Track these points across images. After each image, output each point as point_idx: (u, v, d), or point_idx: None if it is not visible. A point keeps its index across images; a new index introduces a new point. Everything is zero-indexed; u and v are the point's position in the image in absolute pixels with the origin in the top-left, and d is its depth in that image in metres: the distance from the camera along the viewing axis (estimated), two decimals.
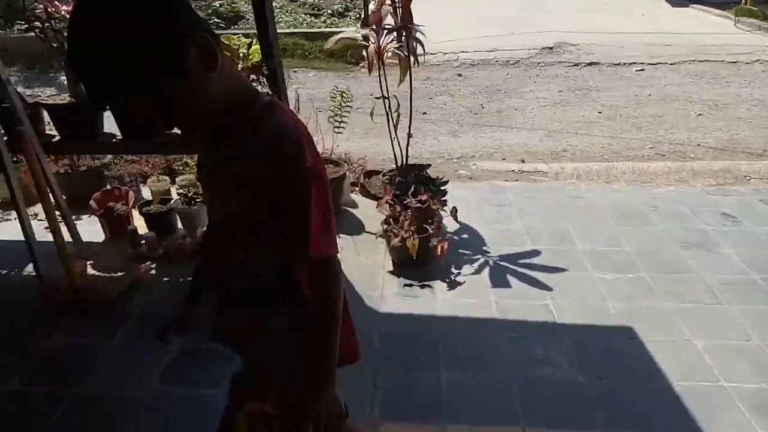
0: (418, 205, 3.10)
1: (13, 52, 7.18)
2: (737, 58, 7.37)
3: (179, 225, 3.29)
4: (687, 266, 3.05)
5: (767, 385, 2.25)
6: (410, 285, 2.97)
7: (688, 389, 2.22)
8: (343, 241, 3.22)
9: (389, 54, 3.38)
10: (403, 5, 3.22)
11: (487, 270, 3.09)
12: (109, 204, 3.20)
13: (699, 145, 4.94)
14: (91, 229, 3.28)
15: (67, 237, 2.80)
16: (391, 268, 3.11)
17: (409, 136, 3.60)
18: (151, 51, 0.89)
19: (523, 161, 4.71)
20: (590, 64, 7.40)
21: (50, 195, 2.68)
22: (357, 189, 4.00)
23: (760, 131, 5.21)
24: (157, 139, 2.93)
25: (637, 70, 7.13)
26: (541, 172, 4.44)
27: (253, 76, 2.88)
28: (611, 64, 7.35)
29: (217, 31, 1.04)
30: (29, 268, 2.92)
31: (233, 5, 9.29)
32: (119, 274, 2.87)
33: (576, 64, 7.41)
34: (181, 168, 3.94)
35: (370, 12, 3.41)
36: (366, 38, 3.34)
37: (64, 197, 2.91)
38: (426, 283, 2.98)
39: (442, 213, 3.28)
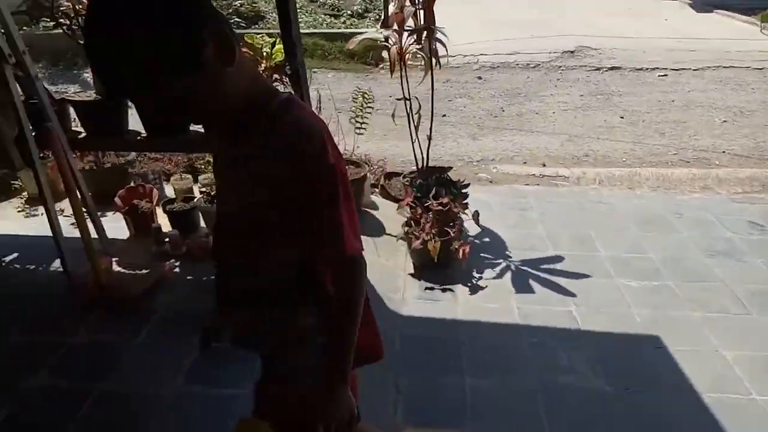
0: (440, 207, 3.08)
1: (38, 49, 7.27)
2: (763, 65, 7.26)
3: (202, 223, 3.30)
4: (713, 275, 3.00)
5: None
6: (431, 288, 2.96)
7: (717, 401, 2.18)
8: (363, 242, 3.21)
9: (411, 55, 3.38)
10: (426, 7, 3.21)
11: (508, 274, 3.06)
12: (134, 201, 3.23)
13: (724, 152, 4.87)
14: (115, 225, 3.31)
15: (92, 233, 2.82)
16: (412, 271, 3.10)
17: (429, 138, 3.59)
18: (166, 45, 0.89)
19: (544, 165, 4.67)
20: (612, 68, 7.34)
21: (77, 191, 2.70)
22: (377, 190, 3.99)
23: None
24: (181, 137, 2.94)
25: (659, 76, 7.05)
26: (563, 176, 4.41)
27: (275, 76, 2.88)
28: (633, 68, 7.28)
29: (238, 31, 1.03)
30: (56, 264, 2.95)
31: (254, 5, 9.35)
32: (144, 271, 2.89)
33: (597, 69, 7.35)
34: (203, 167, 3.96)
35: (391, 13, 3.41)
36: (388, 39, 3.33)
37: (90, 194, 2.94)
38: (447, 286, 2.96)
39: (463, 216, 3.27)
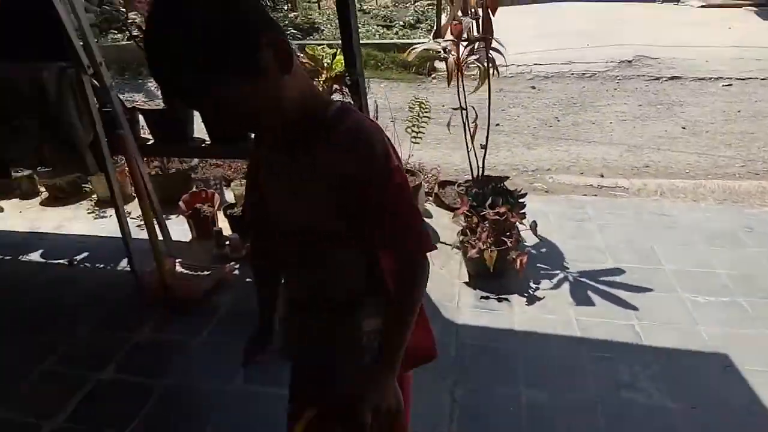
0: (496, 217, 3.05)
1: (106, 60, 7.63)
2: None
3: None
4: None
5: None
6: (487, 297, 2.93)
7: None
8: None
9: (468, 65, 3.37)
10: (485, 17, 3.21)
11: (566, 286, 3.00)
12: (197, 205, 3.34)
13: None
14: (178, 228, 3.43)
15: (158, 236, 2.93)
16: (467, 280, 3.08)
17: (483, 147, 3.56)
18: (227, 50, 0.90)
19: (602, 176, 4.56)
20: (672, 78, 7.10)
21: (146, 195, 2.81)
22: (431, 199, 3.99)
23: None
24: (242, 144, 3.03)
25: (723, 85, 6.78)
26: (622, 187, 4.29)
27: (335, 86, 2.94)
28: (695, 78, 7.02)
29: (294, 42, 1.04)
30: (123, 264, 3.09)
31: (309, 16, 9.55)
32: (205, 273, 2.98)
33: (656, 78, 7.13)
34: None
35: (444, 23, 3.42)
36: (446, 50, 3.34)
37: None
38: (503, 296, 2.92)
39: (519, 226, 3.22)
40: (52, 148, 2.77)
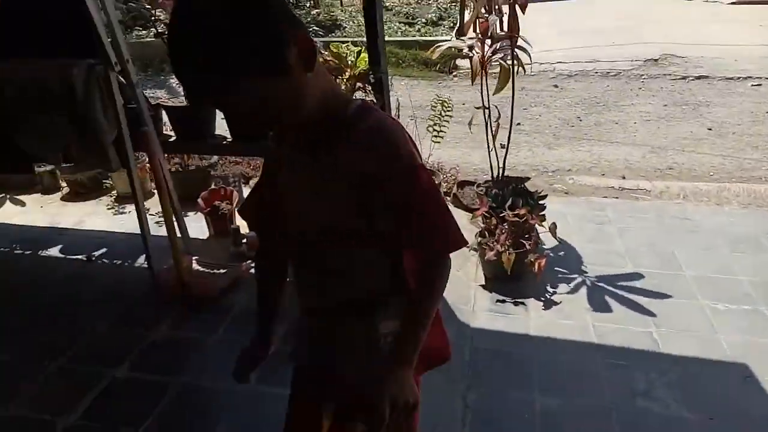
0: (516, 219, 3.02)
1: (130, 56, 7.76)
2: None
3: None
4: None
5: None
6: (503, 301, 2.90)
7: None
8: None
9: (492, 64, 3.34)
10: (512, 14, 3.18)
11: (584, 290, 2.96)
12: (215, 203, 3.37)
13: None
14: (196, 225, 3.47)
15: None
16: (483, 282, 3.06)
17: (503, 147, 3.53)
18: (253, 45, 0.89)
19: (624, 178, 4.49)
20: (699, 77, 6.95)
21: (167, 191, 2.85)
22: (449, 199, 3.97)
23: None
24: (263, 142, 3.03)
25: (752, 85, 6.62)
26: (644, 190, 4.22)
27: (359, 84, 2.94)
28: (723, 78, 6.87)
29: (316, 39, 1.03)
30: (140, 260, 3.13)
31: (331, 14, 9.56)
32: (222, 271, 3.00)
33: (683, 78, 6.99)
34: None
35: (467, 21, 3.38)
36: (471, 48, 3.31)
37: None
38: (519, 300, 2.90)
39: (539, 228, 3.19)
40: (78, 145, 2.81)
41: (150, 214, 3.46)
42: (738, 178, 4.40)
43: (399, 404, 1.12)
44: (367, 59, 2.82)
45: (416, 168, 1.07)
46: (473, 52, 3.26)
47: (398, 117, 3.66)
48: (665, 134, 5.40)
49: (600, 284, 3.00)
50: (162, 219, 2.94)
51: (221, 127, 3.21)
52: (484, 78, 3.32)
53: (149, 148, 2.72)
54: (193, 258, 3.07)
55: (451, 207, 3.77)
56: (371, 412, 1.11)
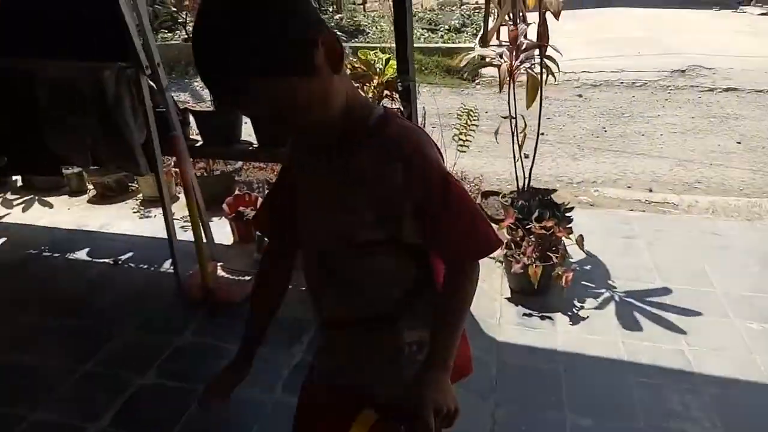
0: (543, 231, 2.98)
1: None
2: None
3: None
4: None
5: None
6: (529, 315, 2.85)
7: None
8: None
9: (521, 72, 3.30)
10: (541, 23, 3.15)
11: (612, 306, 2.90)
12: (240, 208, 3.37)
13: None
14: (220, 231, 3.47)
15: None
16: (509, 295, 3.01)
17: (527, 157, 3.49)
18: (282, 45, 0.87)
19: (651, 191, 4.42)
20: (728, 89, 6.84)
21: (194, 196, 2.85)
22: None
23: None
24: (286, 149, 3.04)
25: None
26: (672, 203, 4.14)
27: (386, 92, 2.92)
28: (752, 90, 6.75)
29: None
30: (166, 265, 3.13)
31: (354, 18, 9.59)
32: (246, 277, 2.99)
33: (711, 89, 6.88)
34: None
35: (508, 29, 3.34)
36: (501, 56, 3.28)
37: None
38: (546, 314, 2.85)
39: (566, 241, 3.14)
40: (106, 148, 2.83)
41: (175, 219, 3.47)
42: None
43: (442, 410, 1.08)
44: (395, 66, 2.80)
45: (445, 176, 1.05)
46: (502, 60, 3.23)
47: (424, 125, 3.63)
48: (693, 147, 5.31)
49: (628, 299, 2.94)
50: (187, 223, 2.94)
51: (247, 132, 3.21)
52: (511, 87, 3.29)
53: (178, 153, 2.73)
54: (218, 264, 3.06)
55: None
56: (413, 419, 1.07)
